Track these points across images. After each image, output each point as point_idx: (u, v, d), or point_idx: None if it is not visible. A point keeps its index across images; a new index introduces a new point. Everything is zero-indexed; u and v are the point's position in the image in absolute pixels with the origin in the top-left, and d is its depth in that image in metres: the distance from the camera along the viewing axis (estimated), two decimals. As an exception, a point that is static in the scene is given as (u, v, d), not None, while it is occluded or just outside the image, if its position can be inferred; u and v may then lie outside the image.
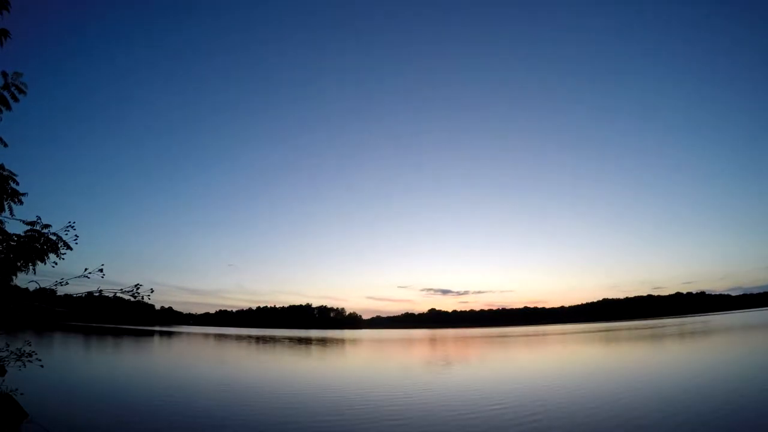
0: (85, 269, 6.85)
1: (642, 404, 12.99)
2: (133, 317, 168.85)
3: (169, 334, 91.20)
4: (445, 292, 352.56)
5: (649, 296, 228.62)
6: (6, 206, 6.21)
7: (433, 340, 70.26)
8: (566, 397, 14.70)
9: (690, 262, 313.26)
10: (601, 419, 11.33)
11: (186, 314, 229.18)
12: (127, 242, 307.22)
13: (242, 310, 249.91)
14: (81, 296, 7.26)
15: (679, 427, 10.26)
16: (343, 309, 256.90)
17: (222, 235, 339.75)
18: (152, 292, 7.43)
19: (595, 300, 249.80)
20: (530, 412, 12.47)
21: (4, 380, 9.89)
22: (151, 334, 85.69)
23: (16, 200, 6.29)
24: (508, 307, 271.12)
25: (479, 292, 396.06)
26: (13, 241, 6.51)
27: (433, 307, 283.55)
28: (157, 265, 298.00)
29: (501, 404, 13.78)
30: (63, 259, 6.87)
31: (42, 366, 9.54)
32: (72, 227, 6.81)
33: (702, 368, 20.62)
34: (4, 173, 6.08)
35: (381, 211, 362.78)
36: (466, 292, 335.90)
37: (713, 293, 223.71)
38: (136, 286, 7.27)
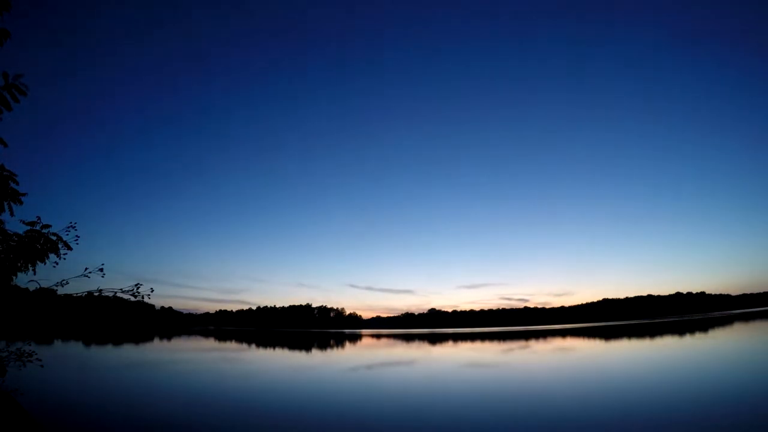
0: (86, 269, 6.85)
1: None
2: (133, 317, 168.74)
3: (169, 336, 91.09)
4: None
5: (649, 296, 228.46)
6: (6, 206, 6.19)
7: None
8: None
9: (690, 262, 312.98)
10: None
11: (186, 314, 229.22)
12: (128, 242, 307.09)
13: (242, 311, 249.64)
14: (81, 296, 7.24)
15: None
16: (342, 309, 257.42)
17: (221, 235, 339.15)
18: (152, 291, 7.41)
19: (595, 300, 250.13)
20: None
21: (4, 380, 9.89)
22: (151, 336, 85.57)
23: (16, 200, 6.27)
24: (508, 308, 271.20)
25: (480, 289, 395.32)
26: (13, 241, 6.50)
27: (433, 307, 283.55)
28: (157, 264, 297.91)
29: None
30: (64, 259, 6.85)
31: (42, 366, 9.53)
32: (73, 227, 6.79)
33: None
34: (4, 173, 6.05)
35: (376, 209, 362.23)
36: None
37: (713, 293, 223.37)
38: (136, 285, 7.25)
